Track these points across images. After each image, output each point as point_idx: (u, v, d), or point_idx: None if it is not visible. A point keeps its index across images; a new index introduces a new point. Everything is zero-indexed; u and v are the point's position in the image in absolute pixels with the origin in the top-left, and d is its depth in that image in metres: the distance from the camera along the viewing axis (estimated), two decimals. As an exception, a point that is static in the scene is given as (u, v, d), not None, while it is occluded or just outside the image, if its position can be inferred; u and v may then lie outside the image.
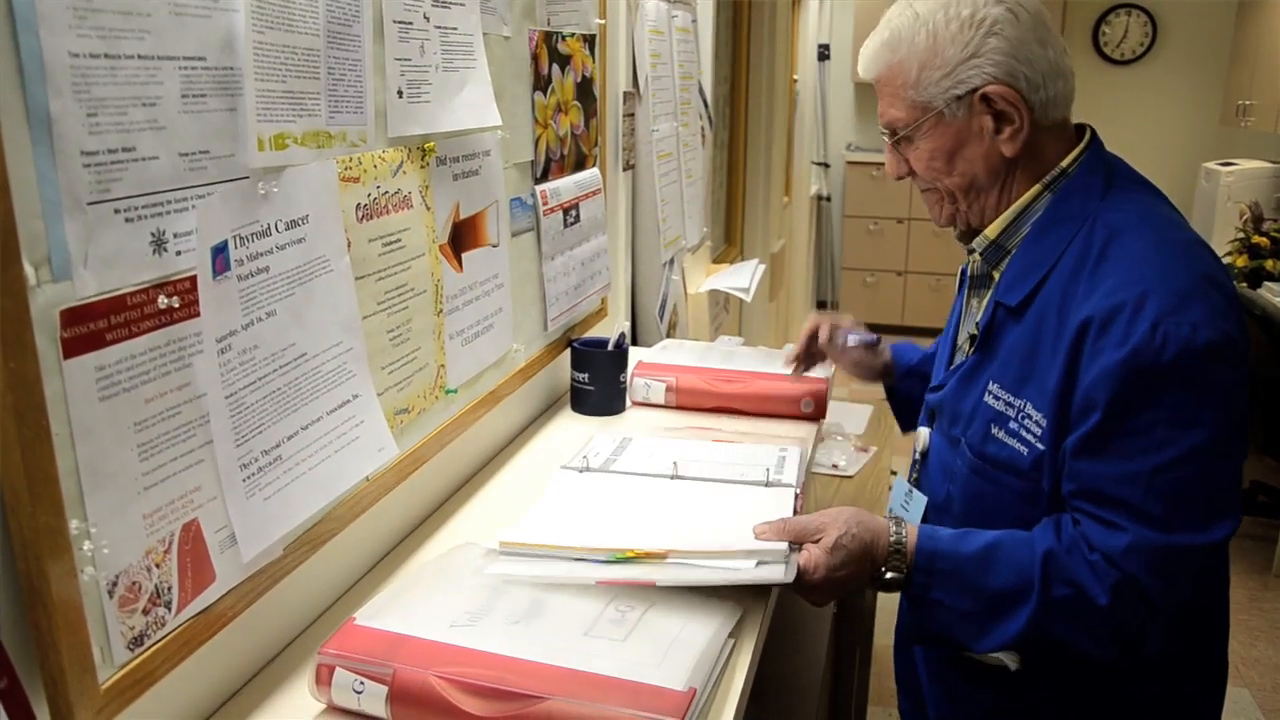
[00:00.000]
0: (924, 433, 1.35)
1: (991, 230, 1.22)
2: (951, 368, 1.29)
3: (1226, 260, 4.38)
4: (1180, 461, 1.03)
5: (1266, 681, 3.09)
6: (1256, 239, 4.30)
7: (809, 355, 1.66)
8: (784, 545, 1.10)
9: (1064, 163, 1.19)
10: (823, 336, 1.62)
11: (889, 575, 1.13)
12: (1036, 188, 1.19)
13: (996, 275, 1.23)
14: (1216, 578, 1.23)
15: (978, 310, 1.28)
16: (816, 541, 1.13)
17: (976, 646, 1.13)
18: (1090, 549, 1.07)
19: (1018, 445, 1.15)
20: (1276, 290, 4.01)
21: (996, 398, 1.18)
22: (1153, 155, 6.19)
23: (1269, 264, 4.21)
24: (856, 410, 3.00)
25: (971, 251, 1.27)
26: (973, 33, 1.14)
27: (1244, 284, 4.19)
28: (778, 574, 1.06)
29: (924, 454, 1.34)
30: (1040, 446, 1.12)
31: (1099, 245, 1.11)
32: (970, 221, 1.25)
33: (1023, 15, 1.15)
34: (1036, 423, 1.12)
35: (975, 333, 1.24)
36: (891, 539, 1.14)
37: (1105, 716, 1.22)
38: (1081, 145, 1.21)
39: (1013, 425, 1.15)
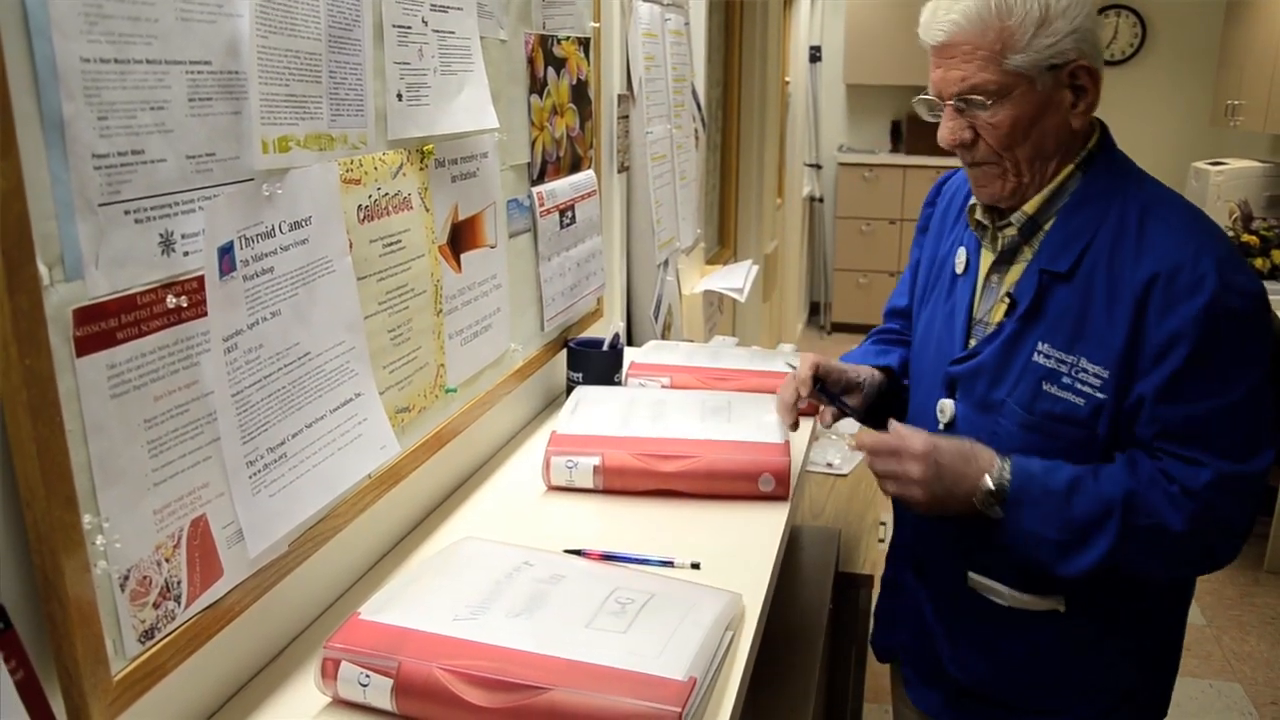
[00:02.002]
0: (949, 404, 1.38)
1: (1030, 206, 1.31)
2: (986, 337, 1.34)
3: (1216, 259, 4.41)
4: (1250, 396, 1.20)
5: (1259, 676, 3.11)
6: (1246, 237, 4.33)
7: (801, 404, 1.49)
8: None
9: (1090, 145, 1.31)
10: (806, 389, 1.46)
11: (993, 485, 1.25)
12: (1070, 167, 1.30)
13: (1029, 250, 1.32)
14: None
15: (999, 283, 1.35)
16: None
17: (1064, 572, 1.25)
18: (1170, 481, 1.21)
19: (1073, 398, 1.26)
20: (1268, 289, 4.04)
21: (1048, 356, 1.27)
22: (1143, 155, 6.13)
23: (1259, 262, 4.24)
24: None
25: (1005, 227, 1.33)
26: (1079, 10, 1.23)
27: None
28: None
29: (949, 425, 1.38)
30: (1100, 396, 1.24)
31: (1135, 217, 1.25)
32: (1028, 194, 1.31)
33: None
34: (1095, 375, 1.24)
35: (1008, 301, 1.32)
36: (995, 459, 1.27)
37: (1132, 644, 1.37)
38: (1099, 132, 1.33)
39: (1065, 380, 1.26)
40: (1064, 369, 1.26)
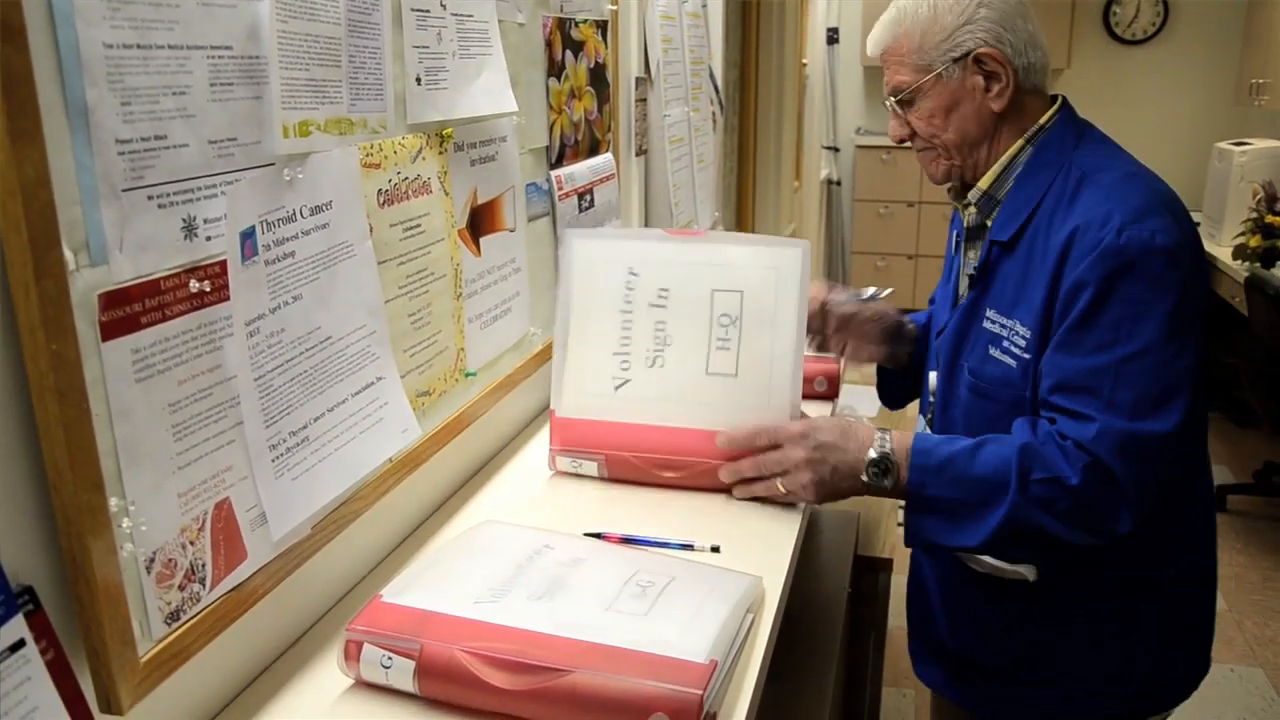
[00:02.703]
0: (933, 376, 1.48)
1: (984, 182, 1.39)
2: (956, 309, 1.44)
3: (1239, 240, 4.36)
4: (1150, 351, 1.18)
5: (1280, 660, 3.10)
6: (1270, 219, 4.28)
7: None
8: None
9: (1042, 119, 1.37)
10: (816, 305, 1.63)
11: (875, 454, 1.26)
12: (1020, 141, 1.37)
13: (989, 224, 1.39)
14: (1197, 465, 1.37)
15: (974, 258, 1.43)
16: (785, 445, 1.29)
17: (970, 540, 1.24)
18: (1063, 437, 1.21)
19: (1009, 360, 1.32)
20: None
21: (993, 321, 1.35)
22: (1165, 136, 6.17)
23: (1283, 243, 4.20)
24: (870, 392, 3.00)
25: (967, 205, 1.42)
26: (967, 3, 1.33)
27: (1257, 264, 4.18)
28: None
29: (934, 394, 1.48)
30: (1026, 356, 1.29)
31: (1074, 183, 1.29)
32: (965, 175, 1.41)
33: None
34: (1023, 336, 1.29)
35: (972, 274, 1.40)
36: (875, 432, 1.29)
37: (1116, 614, 1.37)
38: (1056, 106, 1.39)
39: (1005, 344, 1.32)
40: (1005, 333, 1.32)
